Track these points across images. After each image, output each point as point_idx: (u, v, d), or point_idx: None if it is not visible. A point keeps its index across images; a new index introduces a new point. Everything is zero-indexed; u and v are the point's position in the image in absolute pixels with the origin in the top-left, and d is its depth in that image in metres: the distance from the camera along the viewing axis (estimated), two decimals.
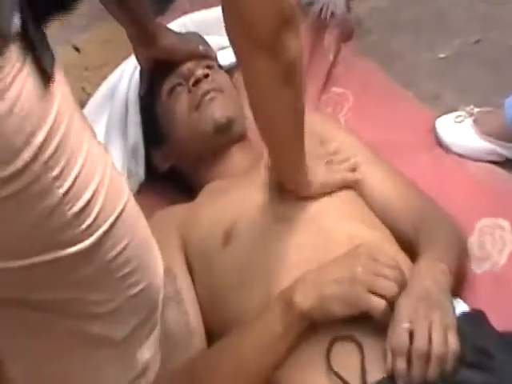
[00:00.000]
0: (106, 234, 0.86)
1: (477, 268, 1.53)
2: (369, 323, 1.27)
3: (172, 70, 1.64)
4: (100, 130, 1.70)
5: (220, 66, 1.72)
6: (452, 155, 1.75)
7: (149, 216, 1.50)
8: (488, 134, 1.72)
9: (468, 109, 1.77)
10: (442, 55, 2.03)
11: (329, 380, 1.27)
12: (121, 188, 0.92)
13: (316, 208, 1.45)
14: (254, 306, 1.40)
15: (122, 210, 0.88)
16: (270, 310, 1.35)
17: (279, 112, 1.24)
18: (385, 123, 1.83)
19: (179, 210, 1.61)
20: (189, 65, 1.63)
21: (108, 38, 1.79)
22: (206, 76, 1.59)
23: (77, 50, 1.99)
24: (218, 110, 1.58)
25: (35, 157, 0.75)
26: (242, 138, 1.63)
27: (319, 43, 1.95)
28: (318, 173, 1.45)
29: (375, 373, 1.23)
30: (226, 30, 1.09)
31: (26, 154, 0.75)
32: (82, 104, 1.74)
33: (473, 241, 1.57)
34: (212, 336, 1.47)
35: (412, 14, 2.15)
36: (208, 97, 1.58)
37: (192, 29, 1.81)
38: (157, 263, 1.05)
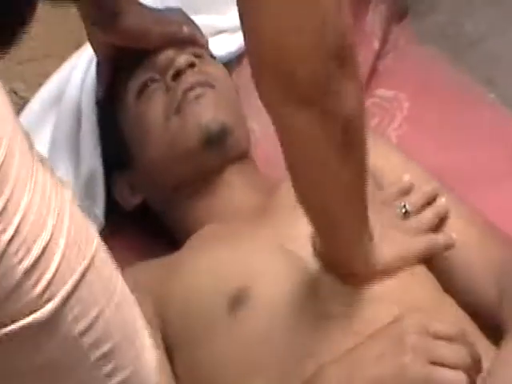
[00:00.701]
0: (68, 301, 0.75)
1: None
2: None
3: (142, 62, 1.29)
4: (42, 150, 1.26)
5: (213, 57, 1.36)
6: None
7: None
8: None
9: None
10: None
11: None
12: (86, 235, 0.80)
13: (372, 294, 1.15)
14: None
15: (89, 266, 0.77)
16: None
17: (334, 190, 1.01)
18: (457, 140, 1.44)
19: (154, 270, 1.27)
20: (168, 53, 1.28)
21: (52, 20, 1.44)
22: (192, 65, 1.25)
23: None
24: (207, 112, 1.24)
25: None
26: (242, 156, 1.28)
27: (360, 25, 1.56)
28: (389, 242, 1.15)
29: None
30: (252, 74, 0.85)
31: None
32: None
33: None
34: None
35: None
36: (193, 93, 1.24)
37: (173, 3, 1.44)
38: (143, 343, 0.90)
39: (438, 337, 0.96)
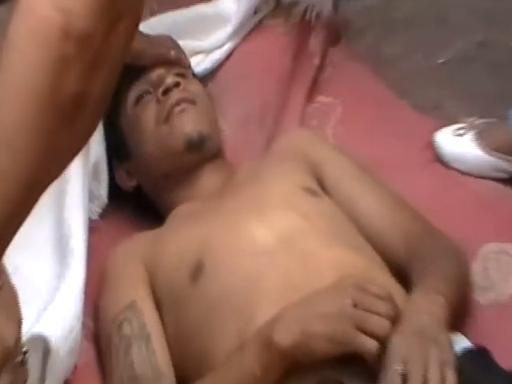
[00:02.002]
0: None
1: (480, 298, 1.49)
2: (358, 364, 1.24)
3: (139, 77, 1.57)
4: None
5: (194, 75, 1.65)
6: (452, 171, 1.71)
7: (112, 245, 1.56)
8: (492, 148, 1.68)
9: (470, 120, 1.72)
10: (441, 60, 1.98)
11: None
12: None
13: (299, 230, 1.41)
14: (226, 345, 1.37)
15: None
16: (247, 350, 1.32)
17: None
18: (378, 137, 1.75)
19: (144, 240, 1.55)
20: (159, 71, 1.56)
21: None
22: (177, 85, 1.52)
23: None
24: (189, 124, 1.51)
25: None
26: (215, 156, 1.56)
27: (304, 47, 1.86)
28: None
29: None
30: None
31: None
32: None
33: (476, 268, 1.53)
34: (183, 379, 1.39)
35: (408, 13, 2.09)
36: (179, 108, 1.51)
37: (161, 31, 1.72)
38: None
39: (371, 293, 1.22)
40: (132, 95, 1.57)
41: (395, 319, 1.24)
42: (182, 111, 1.52)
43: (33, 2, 0.66)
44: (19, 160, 0.68)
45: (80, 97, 0.68)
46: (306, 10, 1.83)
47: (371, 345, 1.21)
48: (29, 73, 0.72)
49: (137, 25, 0.72)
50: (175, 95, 1.53)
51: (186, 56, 1.67)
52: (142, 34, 1.57)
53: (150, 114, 1.55)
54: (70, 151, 0.72)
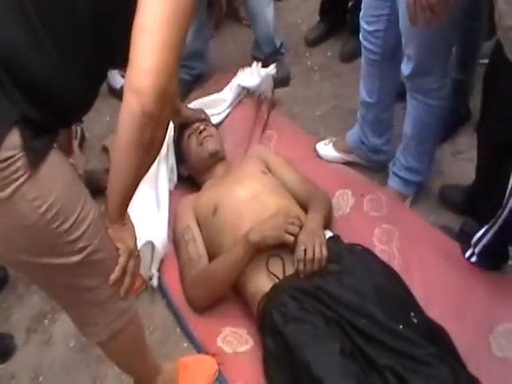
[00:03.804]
0: (92, 251, 1.19)
1: (335, 214, 2.32)
2: (286, 247, 1.91)
3: (189, 126, 2.44)
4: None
5: (212, 124, 2.52)
6: (323, 161, 2.66)
7: (179, 200, 2.36)
8: (340, 150, 2.64)
9: (331, 138, 2.70)
10: (318, 113, 2.99)
11: (267, 275, 1.88)
12: (101, 225, 1.22)
13: (260, 192, 2.10)
14: (229, 244, 2.02)
15: (102, 237, 1.21)
16: (237, 244, 1.95)
17: (128, 168, 1.26)
18: (291, 147, 2.69)
19: (192, 197, 2.33)
20: (197, 124, 2.42)
21: None
22: (205, 129, 2.40)
23: None
24: (210, 146, 2.36)
25: (39, 219, 1.05)
26: (222, 159, 2.39)
27: (259, 110, 2.85)
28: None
29: (290, 271, 1.86)
30: (124, 95, 1.15)
31: (34, 218, 1.05)
32: None
33: (334, 201, 2.38)
34: (211, 260, 2.10)
35: (303, 94, 3.09)
36: (206, 139, 2.38)
37: (198, 106, 2.69)
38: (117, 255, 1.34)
39: (290, 216, 1.94)
40: (186, 135, 2.44)
41: (301, 227, 1.90)
42: (207, 141, 2.37)
43: (127, 100, 1.04)
44: (128, 170, 1.15)
45: (153, 140, 1.10)
46: (259, 95, 2.83)
47: (291, 238, 1.88)
48: (128, 133, 1.09)
49: (173, 106, 1.11)
50: (204, 133, 2.39)
51: (208, 116, 2.50)
52: (188, 107, 2.53)
53: (193, 142, 2.40)
54: (150, 163, 1.17)
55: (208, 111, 2.64)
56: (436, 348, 1.62)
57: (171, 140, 2.59)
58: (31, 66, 1.02)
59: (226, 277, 1.99)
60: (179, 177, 2.60)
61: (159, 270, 2.23)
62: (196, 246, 2.12)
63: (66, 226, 1.10)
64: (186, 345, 2.08)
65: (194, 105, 2.74)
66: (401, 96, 2.39)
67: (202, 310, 2.08)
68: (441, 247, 2.17)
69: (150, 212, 2.33)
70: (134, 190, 1.20)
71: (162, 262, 2.25)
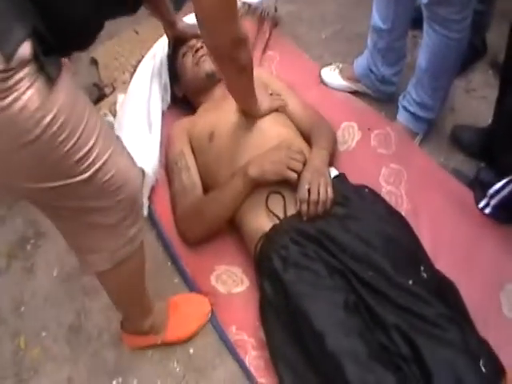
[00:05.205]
0: (100, 168, 1.15)
1: (340, 148, 2.20)
2: (288, 184, 1.78)
3: (184, 43, 2.25)
4: (148, 74, 2.33)
5: None
6: (329, 88, 2.52)
7: (172, 123, 2.19)
8: (346, 78, 2.51)
9: (337, 64, 2.56)
10: (323, 36, 2.86)
11: (266, 214, 1.77)
12: (110, 141, 1.17)
13: (260, 120, 1.96)
14: (226, 174, 1.90)
15: (109, 157, 1.16)
16: (235, 177, 1.83)
17: (239, 86, 1.72)
18: (294, 71, 2.54)
19: (187, 120, 2.19)
20: (194, 41, 2.24)
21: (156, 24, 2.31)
22: (202, 47, 2.20)
23: (136, 32, 2.72)
24: (207, 66, 2.18)
25: (43, 132, 1.01)
26: (219, 80, 2.17)
27: (261, 28, 2.70)
28: (265, 101, 1.96)
29: (292, 211, 1.75)
30: (206, 48, 1.55)
31: (37, 131, 1.01)
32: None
33: (339, 134, 2.26)
34: (206, 191, 2.00)
35: (307, 14, 2.96)
36: (202, 59, 2.19)
37: (194, 20, 2.18)
38: (135, 179, 1.29)
39: (294, 151, 1.80)
40: (181, 53, 2.24)
41: (304, 163, 1.78)
42: (204, 60, 2.18)
43: (218, 46, 1.44)
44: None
45: (242, 62, 1.54)
46: (262, 11, 2.67)
47: (294, 175, 1.75)
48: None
49: (247, 45, 1.48)
50: (200, 52, 2.20)
51: None
52: (183, 21, 2.27)
53: (189, 61, 2.22)
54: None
55: None
56: (446, 308, 1.54)
57: (165, 54, 2.41)
58: None
59: (222, 211, 1.88)
60: (173, 97, 2.43)
61: (149, 198, 2.11)
62: (190, 174, 2.01)
63: (72, 140, 1.06)
64: (176, 280, 2.00)
65: (189, 18, 2.46)
66: (414, 23, 2.27)
67: (194, 243, 1.98)
68: (452, 193, 2.08)
69: (141, 134, 2.17)
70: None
71: (152, 189, 2.14)
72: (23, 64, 0.95)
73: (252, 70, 1.63)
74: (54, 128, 1.02)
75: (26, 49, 0.94)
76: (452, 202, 2.05)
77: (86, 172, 1.12)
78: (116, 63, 2.62)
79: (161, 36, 2.45)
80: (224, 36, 1.40)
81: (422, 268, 1.65)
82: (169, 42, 2.35)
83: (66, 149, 1.06)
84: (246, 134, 1.93)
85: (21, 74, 0.94)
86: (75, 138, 1.07)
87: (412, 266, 1.64)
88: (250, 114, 1.94)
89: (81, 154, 1.10)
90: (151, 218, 2.11)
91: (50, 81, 0.99)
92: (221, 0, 1.30)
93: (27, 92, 0.96)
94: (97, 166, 1.13)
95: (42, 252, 2.18)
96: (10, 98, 0.94)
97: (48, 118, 1.00)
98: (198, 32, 1.91)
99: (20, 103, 0.95)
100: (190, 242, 1.98)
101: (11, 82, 0.93)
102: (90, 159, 1.12)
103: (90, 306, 2.00)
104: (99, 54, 2.66)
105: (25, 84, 0.95)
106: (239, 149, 1.91)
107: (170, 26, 2.23)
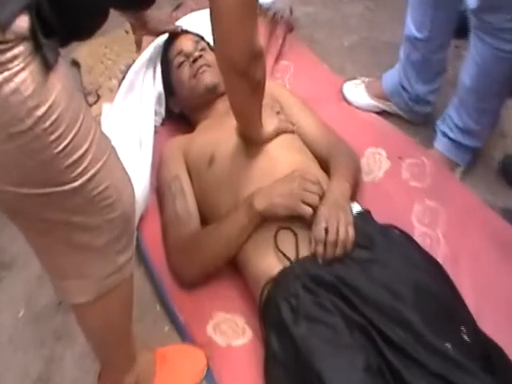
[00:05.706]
0: (92, 178, 1.07)
1: (365, 178, 1.99)
2: (301, 219, 1.61)
3: (179, 51, 2.04)
4: (139, 81, 2.15)
5: (210, 47, 2.06)
6: (352, 107, 2.31)
7: (166, 140, 2.02)
8: (373, 95, 2.28)
9: (362, 78, 2.34)
10: (346, 44, 2.66)
11: (275, 254, 1.60)
12: (105, 148, 1.12)
13: (268, 144, 1.78)
14: (227, 205, 1.75)
15: (103, 165, 1.10)
16: (239, 209, 1.68)
17: (247, 108, 1.60)
18: (311, 85, 2.35)
19: (183, 139, 2.02)
20: (190, 49, 2.03)
21: None
22: (200, 56, 2.01)
23: (127, 32, 2.49)
24: (207, 79, 2.00)
25: (36, 124, 0.94)
26: (222, 94, 2.00)
27: (273, 33, 2.50)
28: (271, 124, 1.79)
29: (305, 252, 1.58)
30: (216, 61, 1.43)
31: (29, 121, 0.94)
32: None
33: (363, 162, 2.04)
34: (203, 223, 1.83)
35: (327, 18, 2.80)
36: (201, 70, 2.00)
37: (190, 21, 2.27)
38: (130, 196, 1.23)
39: (309, 181, 1.59)
40: (176, 62, 2.04)
41: (322, 196, 1.60)
42: (203, 72, 1.99)
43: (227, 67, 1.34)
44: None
45: (257, 79, 1.41)
46: (275, 13, 2.44)
47: (309, 210, 1.58)
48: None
49: (263, 60, 1.38)
50: (199, 63, 1.99)
51: (202, 36, 2.10)
52: (156, 19, 2.05)
53: (185, 73, 2.03)
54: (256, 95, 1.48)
55: (204, 29, 2.14)
56: (493, 380, 1.34)
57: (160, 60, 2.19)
58: None
59: (223, 248, 1.70)
60: (168, 111, 2.24)
61: (138, 227, 1.90)
62: (185, 202, 1.84)
63: (65, 142, 0.98)
64: (167, 328, 1.80)
65: (184, 20, 2.33)
66: (457, 32, 2.10)
67: (189, 285, 1.79)
68: (499, 237, 1.86)
69: (129, 151, 1.99)
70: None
71: (141, 217, 1.94)
72: (19, 40, 0.88)
73: (264, 89, 1.50)
74: (47, 123, 0.94)
75: (23, 21, 0.89)
76: (499, 247, 1.85)
77: (76, 180, 1.04)
78: (102, 67, 2.48)
79: (156, 37, 2.26)
80: (241, 44, 1.30)
81: (463, 328, 1.45)
82: (164, 45, 2.14)
83: (56, 150, 0.98)
84: (252, 159, 1.75)
85: (15, 51, 0.88)
86: (68, 140, 0.99)
87: (451, 324, 1.45)
88: (250, 138, 1.77)
89: (73, 158, 1.01)
90: (138, 251, 1.90)
91: (47, 66, 0.93)
92: None
93: (21, 74, 0.89)
94: (89, 174, 1.06)
95: (5, 286, 1.99)
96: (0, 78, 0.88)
97: (42, 109, 0.93)
98: (178, 28, 2.05)
99: (12, 85, 0.89)
100: (184, 283, 1.80)
101: (3, 58, 0.87)
102: (82, 166, 1.04)
103: (62, 354, 1.80)
104: (82, 54, 2.52)
105: (19, 64, 0.89)
106: (243, 176, 1.73)
107: (142, 27, 2.07)
